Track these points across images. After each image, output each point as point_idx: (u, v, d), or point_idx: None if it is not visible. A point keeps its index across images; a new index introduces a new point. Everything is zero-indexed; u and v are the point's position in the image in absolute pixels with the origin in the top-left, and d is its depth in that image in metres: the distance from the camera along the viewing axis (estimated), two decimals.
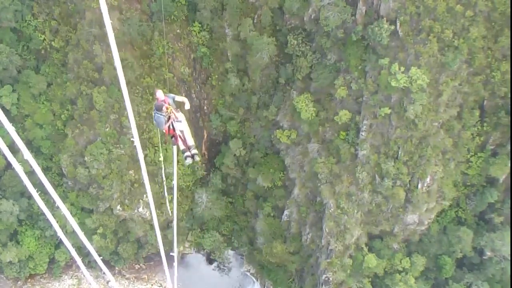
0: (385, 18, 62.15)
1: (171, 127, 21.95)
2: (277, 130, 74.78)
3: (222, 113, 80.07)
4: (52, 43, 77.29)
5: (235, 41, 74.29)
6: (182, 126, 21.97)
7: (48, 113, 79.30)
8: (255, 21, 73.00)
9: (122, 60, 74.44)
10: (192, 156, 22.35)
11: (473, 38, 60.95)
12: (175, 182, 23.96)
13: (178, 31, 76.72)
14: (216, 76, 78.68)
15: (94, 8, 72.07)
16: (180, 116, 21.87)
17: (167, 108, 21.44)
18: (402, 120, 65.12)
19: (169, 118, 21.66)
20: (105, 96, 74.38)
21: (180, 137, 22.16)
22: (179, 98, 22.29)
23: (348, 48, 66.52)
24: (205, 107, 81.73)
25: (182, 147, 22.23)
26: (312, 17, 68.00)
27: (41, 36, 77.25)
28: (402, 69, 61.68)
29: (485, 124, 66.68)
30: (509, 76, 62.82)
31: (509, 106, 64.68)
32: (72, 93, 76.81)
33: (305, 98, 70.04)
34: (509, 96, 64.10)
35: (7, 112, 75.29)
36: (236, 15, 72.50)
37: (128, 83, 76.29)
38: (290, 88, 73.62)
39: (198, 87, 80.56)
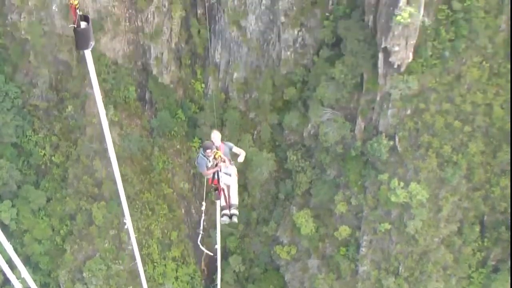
0: (384, 134, 62.69)
1: (215, 177, 19.39)
2: (277, 246, 74.00)
3: (222, 229, 79.11)
4: (52, 158, 77.77)
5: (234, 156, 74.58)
6: (230, 181, 20.10)
7: (47, 228, 78.81)
8: (254, 137, 73.63)
9: (121, 175, 74.75)
10: (231, 216, 20.57)
11: (472, 153, 61.33)
12: (218, 246, 22.46)
13: (178, 146, 77.32)
14: (216, 191, 78.55)
15: (94, 123, 72.89)
16: (232, 170, 19.99)
17: (215, 154, 18.90)
18: (403, 236, 64.67)
19: (216, 165, 19.06)
20: (105, 212, 74.17)
21: (223, 191, 19.86)
22: (236, 150, 20.37)
23: (347, 163, 66.81)
24: (204, 223, 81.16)
25: (223, 203, 20.18)
26: (312, 133, 68.57)
27: (41, 151, 77.80)
28: (402, 184, 61.75)
29: (485, 239, 66.11)
30: (508, 191, 62.77)
31: (509, 222, 64.34)
32: (72, 208, 76.63)
33: (304, 214, 69.74)
34: (509, 211, 63.86)
35: (5, 227, 74.86)
36: (235, 130, 73.17)
37: (127, 198, 76.29)
38: (289, 203, 73.39)
39: (198, 202, 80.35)
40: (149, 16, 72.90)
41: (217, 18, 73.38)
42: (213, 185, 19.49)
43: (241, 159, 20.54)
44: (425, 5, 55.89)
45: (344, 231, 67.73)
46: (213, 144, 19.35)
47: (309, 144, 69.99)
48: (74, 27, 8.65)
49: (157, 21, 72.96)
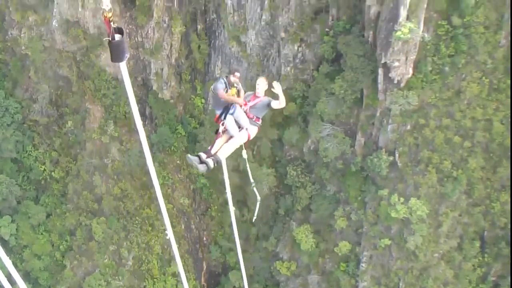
0: (384, 149, 62.68)
1: (222, 116, 16.47)
2: (277, 262, 73.84)
3: (222, 244, 79.44)
4: (52, 173, 77.85)
5: (234, 172, 74.55)
6: (236, 134, 16.38)
7: (47, 244, 78.74)
8: (254, 152, 73.59)
9: (121, 191, 74.92)
10: (207, 164, 15.78)
11: (472, 169, 61.30)
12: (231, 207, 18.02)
13: (178, 162, 77.35)
14: (216, 207, 78.60)
15: (94, 139, 72.98)
16: (249, 127, 16.53)
17: (231, 90, 16.15)
18: (403, 251, 64.53)
19: (226, 107, 16.32)
20: (104, 227, 74.13)
21: (219, 137, 16.50)
22: (275, 103, 16.44)
23: (347, 179, 66.78)
24: (204, 238, 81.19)
25: (213, 150, 16.24)
26: (311, 148, 68.59)
27: (41, 167, 77.88)
28: (402, 200, 61.69)
29: (486, 255, 65.90)
30: (509, 207, 62.69)
31: (509, 237, 64.21)
32: (71, 224, 76.62)
33: (304, 229, 69.63)
34: (509, 227, 63.74)
35: (5, 243, 74.78)
36: None
37: (127, 214, 76.58)
38: (289, 219, 73.28)
39: (198, 218, 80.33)
40: (149, 31, 73.14)
41: (217, 34, 73.63)
42: (216, 124, 16.71)
43: (276, 105, 16.50)
44: (424, 20, 56.05)
45: (344, 246, 67.60)
46: (254, 92, 16.75)
47: (309, 159, 69.98)
48: (109, 40, 8.64)
49: (157, 37, 73.19)
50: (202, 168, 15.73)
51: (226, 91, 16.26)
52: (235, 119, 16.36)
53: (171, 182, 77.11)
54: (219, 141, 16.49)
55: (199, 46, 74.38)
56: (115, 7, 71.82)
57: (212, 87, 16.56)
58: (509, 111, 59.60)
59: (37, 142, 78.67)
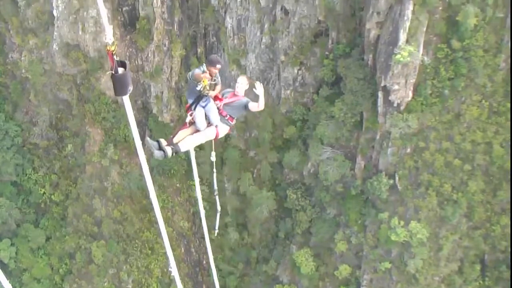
0: (384, 173, 62.64)
1: (193, 107, 15.43)
2: (277, 285, 73.48)
3: (222, 267, 79.13)
4: (52, 196, 77.76)
5: (234, 195, 74.57)
6: (204, 129, 15.40)
7: (46, 268, 78.51)
8: (254, 176, 73.60)
9: (121, 214, 74.75)
10: (165, 152, 14.57)
11: (472, 192, 61.20)
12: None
13: (177, 185, 77.25)
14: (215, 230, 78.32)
15: (94, 162, 72.99)
16: (220, 125, 15.52)
17: (203, 81, 14.96)
18: (403, 275, 64.27)
19: (199, 97, 15.29)
20: (104, 251, 73.92)
21: (185, 127, 15.42)
22: (252, 105, 15.46)
23: (347, 202, 66.66)
24: (204, 262, 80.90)
25: (175, 139, 15.03)
26: (311, 172, 68.55)
27: (41, 190, 77.80)
28: (402, 223, 61.55)
29: (486, 278, 65.60)
30: (509, 230, 62.52)
31: (510, 261, 63.97)
32: (71, 247, 76.42)
33: (304, 253, 69.40)
34: (510, 250, 63.53)
35: (4, 266, 74.55)
36: (235, 169, 73.21)
37: (127, 237, 76.39)
38: (289, 242, 73.08)
39: (198, 241, 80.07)
40: (149, 54, 73.33)
41: None
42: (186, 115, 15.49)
43: (253, 106, 15.52)
44: (424, 44, 56.22)
45: (344, 270, 67.35)
46: (233, 90, 15.89)
47: (309, 182, 69.92)
48: (112, 73, 8.59)
49: (157, 60, 73.37)
50: (158, 154, 14.50)
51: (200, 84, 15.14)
52: (205, 113, 15.43)
53: (170, 205, 76.98)
54: (184, 132, 15.42)
55: None
56: (115, 30, 72.17)
57: (190, 73, 15.68)
58: (509, 134, 59.60)
59: (37, 165, 78.67)
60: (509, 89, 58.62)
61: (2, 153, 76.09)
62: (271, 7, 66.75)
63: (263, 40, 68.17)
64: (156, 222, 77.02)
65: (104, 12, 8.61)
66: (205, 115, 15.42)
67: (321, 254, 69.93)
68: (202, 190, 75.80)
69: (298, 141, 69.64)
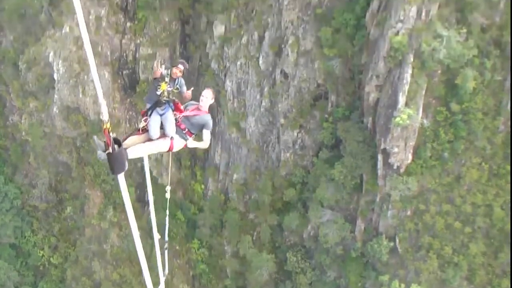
0: (384, 235, 62.39)
1: (150, 111, 14.71)
2: None
3: None
4: (51, 259, 77.37)
5: (234, 258, 74.15)
6: (156, 140, 14.43)
7: None
8: (254, 238, 73.30)
9: (120, 277, 74.22)
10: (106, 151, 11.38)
11: (473, 254, 60.86)
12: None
13: (177, 248, 76.88)
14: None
15: (94, 224, 72.83)
16: (176, 138, 14.60)
17: (162, 85, 14.34)
18: None
19: (157, 102, 14.55)
20: None
21: (138, 134, 14.61)
22: (206, 134, 15.09)
23: (347, 264, 66.24)
24: None
25: (125, 144, 13.31)
26: (311, 234, 68.30)
27: (40, 252, 77.45)
28: (403, 286, 61.01)
29: None
30: None
31: None
32: None
33: None
34: None
35: None
36: (235, 232, 72.95)
37: None
38: None
39: None
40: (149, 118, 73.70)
41: (216, 120, 74.25)
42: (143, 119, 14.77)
43: (197, 144, 15.30)
44: (423, 107, 56.53)
45: None
46: (198, 104, 15.01)
47: (309, 245, 69.60)
48: (109, 152, 8.48)
49: None
50: (103, 156, 11.80)
51: (164, 82, 14.44)
52: (162, 122, 14.57)
53: (170, 268, 76.47)
54: (135, 138, 14.41)
55: None
56: (115, 94, 72.80)
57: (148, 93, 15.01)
58: (509, 197, 59.58)
59: (36, 227, 78.49)
60: (509, 151, 58.80)
61: (1, 215, 76.05)
62: (271, 70, 67.43)
63: (263, 103, 68.67)
64: (156, 283, 76.36)
65: (100, 91, 8.37)
66: (161, 124, 14.61)
67: None
68: (201, 253, 75.70)
69: (298, 204, 69.57)
